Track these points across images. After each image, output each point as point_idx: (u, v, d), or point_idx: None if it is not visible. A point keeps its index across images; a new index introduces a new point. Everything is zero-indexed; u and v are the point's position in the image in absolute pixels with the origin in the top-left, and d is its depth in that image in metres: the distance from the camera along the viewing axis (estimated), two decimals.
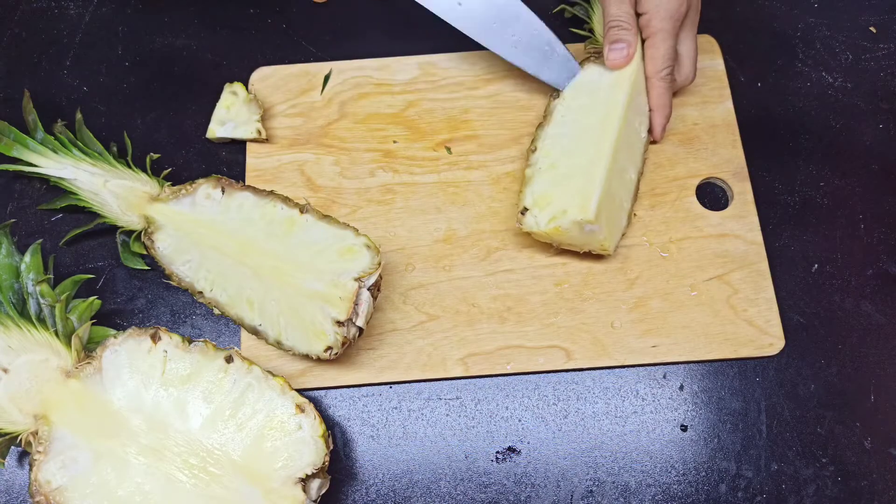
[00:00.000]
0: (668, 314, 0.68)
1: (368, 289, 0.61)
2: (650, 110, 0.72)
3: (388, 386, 0.67)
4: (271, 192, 0.65)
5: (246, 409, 0.57)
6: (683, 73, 0.72)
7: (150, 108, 0.78)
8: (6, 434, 0.58)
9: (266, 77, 0.78)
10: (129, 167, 0.70)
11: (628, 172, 0.70)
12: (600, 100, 0.69)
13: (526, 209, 0.66)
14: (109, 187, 0.68)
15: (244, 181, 0.73)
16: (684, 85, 0.74)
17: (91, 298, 0.64)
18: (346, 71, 0.78)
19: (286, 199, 0.65)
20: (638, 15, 0.70)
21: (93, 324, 0.63)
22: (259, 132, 0.74)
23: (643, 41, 0.71)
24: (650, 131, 0.73)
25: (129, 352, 0.58)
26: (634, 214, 0.71)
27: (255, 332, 0.64)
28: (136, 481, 0.55)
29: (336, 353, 0.61)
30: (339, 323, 0.60)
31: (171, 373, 0.58)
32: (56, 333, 0.61)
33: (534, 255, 0.70)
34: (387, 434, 0.66)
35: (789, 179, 0.75)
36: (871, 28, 0.81)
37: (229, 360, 0.59)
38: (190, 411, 0.57)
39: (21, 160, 0.69)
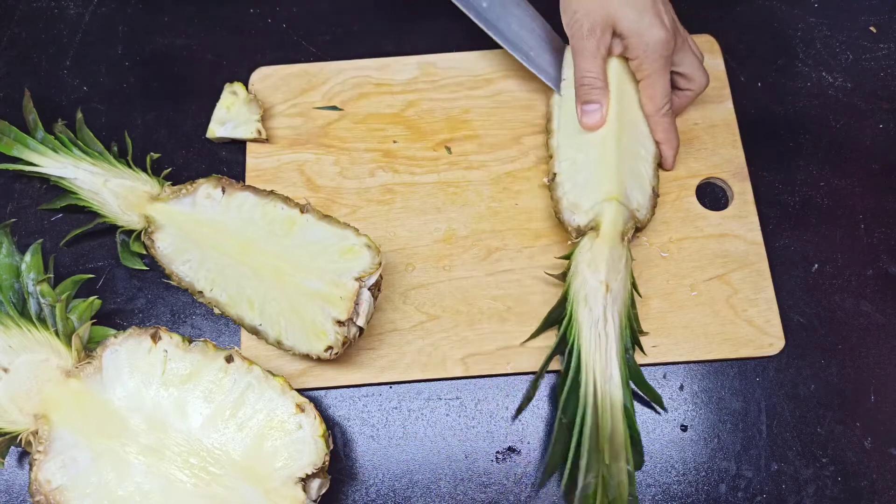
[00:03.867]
0: (668, 314, 0.68)
1: (369, 289, 0.61)
2: (658, 143, 0.71)
3: (388, 386, 0.67)
4: (271, 192, 0.65)
5: (246, 408, 0.57)
6: (696, 83, 0.71)
7: (150, 108, 0.78)
8: (6, 434, 0.58)
9: (266, 77, 0.78)
10: (130, 167, 0.70)
11: (640, 150, 0.70)
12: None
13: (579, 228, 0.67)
14: (109, 187, 0.68)
15: (244, 181, 0.73)
16: (701, 90, 0.72)
17: (91, 298, 0.64)
18: (346, 71, 0.78)
19: (286, 199, 0.65)
20: (627, 59, 0.69)
21: (93, 324, 0.63)
22: (259, 132, 0.74)
23: (637, 82, 0.70)
24: (661, 164, 0.73)
25: (129, 351, 0.58)
26: (657, 195, 0.70)
27: (255, 331, 0.64)
28: (136, 481, 0.55)
29: (336, 353, 0.61)
30: (340, 323, 0.60)
31: (171, 372, 0.58)
32: (56, 333, 0.61)
33: (534, 255, 0.70)
34: (387, 434, 0.66)
35: (789, 179, 0.75)
36: (871, 28, 0.81)
37: (229, 359, 0.59)
38: (190, 411, 0.57)
39: (21, 160, 0.69)
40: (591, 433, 0.60)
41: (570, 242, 0.68)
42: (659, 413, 0.66)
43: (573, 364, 0.62)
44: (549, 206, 0.72)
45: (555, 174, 0.69)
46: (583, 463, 0.59)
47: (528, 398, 0.65)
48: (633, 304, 0.65)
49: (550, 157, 0.71)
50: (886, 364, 0.67)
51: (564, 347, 0.64)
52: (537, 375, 0.64)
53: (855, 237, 0.72)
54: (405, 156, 0.75)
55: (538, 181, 0.73)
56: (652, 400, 0.65)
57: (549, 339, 0.67)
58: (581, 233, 0.67)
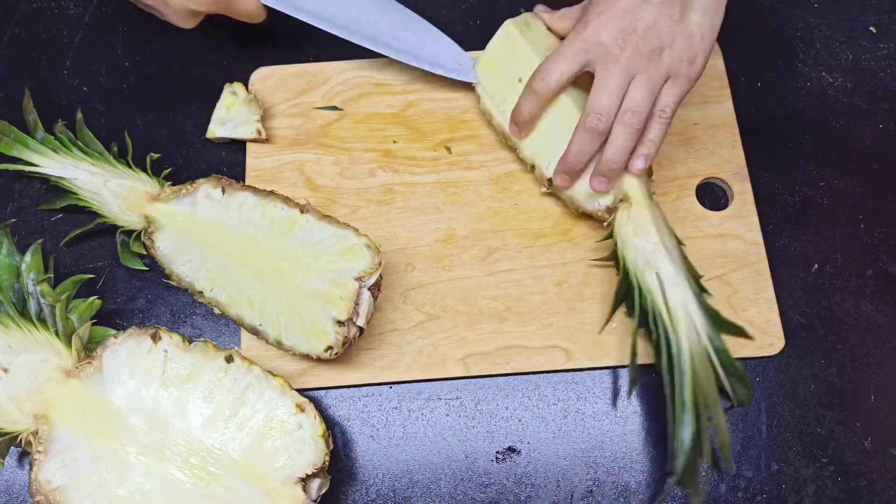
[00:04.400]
0: None
1: (369, 289, 0.61)
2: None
3: (388, 386, 0.67)
4: (271, 192, 0.65)
5: (246, 408, 0.57)
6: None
7: (150, 108, 0.78)
8: (6, 434, 0.58)
9: (266, 77, 0.78)
10: (130, 167, 0.70)
11: None
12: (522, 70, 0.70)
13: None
14: (110, 187, 0.68)
15: (244, 181, 0.73)
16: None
17: (91, 298, 0.64)
18: (346, 71, 0.78)
19: (286, 199, 0.65)
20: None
21: (93, 324, 0.63)
22: (259, 132, 0.74)
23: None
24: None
25: (129, 351, 0.58)
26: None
27: (255, 331, 0.64)
28: (136, 481, 0.55)
29: (336, 353, 0.61)
30: (340, 323, 0.60)
31: (171, 372, 0.58)
32: (56, 333, 0.61)
33: (534, 255, 0.71)
34: (387, 434, 0.66)
35: (789, 179, 0.75)
36: (871, 28, 0.81)
37: (229, 359, 0.59)
38: (190, 411, 0.57)
39: (21, 160, 0.69)
40: (693, 387, 0.60)
41: (605, 224, 0.68)
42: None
43: (661, 328, 0.62)
44: (548, 206, 0.72)
45: (549, 180, 0.69)
46: (690, 417, 0.59)
47: (633, 380, 0.64)
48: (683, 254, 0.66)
49: (532, 167, 0.71)
50: (886, 364, 0.67)
51: (646, 318, 0.63)
52: (632, 356, 0.63)
53: (855, 237, 0.72)
54: (405, 156, 0.75)
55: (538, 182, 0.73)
56: (738, 335, 0.64)
57: (546, 339, 0.67)
58: (612, 210, 0.67)
